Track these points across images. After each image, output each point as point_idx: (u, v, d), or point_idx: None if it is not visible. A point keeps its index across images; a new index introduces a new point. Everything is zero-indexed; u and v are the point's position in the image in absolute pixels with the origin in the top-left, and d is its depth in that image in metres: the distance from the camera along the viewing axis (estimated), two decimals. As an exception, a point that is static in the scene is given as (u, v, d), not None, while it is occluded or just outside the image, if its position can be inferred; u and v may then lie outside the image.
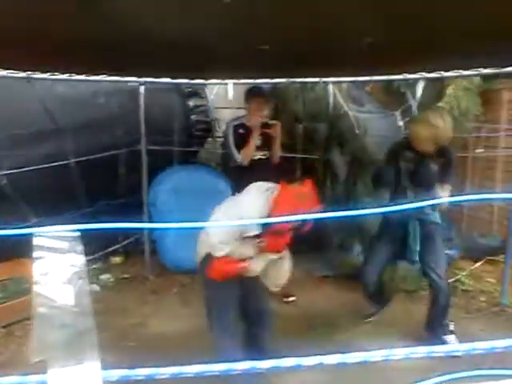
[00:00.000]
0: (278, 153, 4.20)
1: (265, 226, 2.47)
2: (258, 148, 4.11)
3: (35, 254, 0.81)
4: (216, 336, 2.71)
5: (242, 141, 4.08)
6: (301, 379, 2.82)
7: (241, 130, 4.13)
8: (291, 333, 3.57)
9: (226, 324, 2.71)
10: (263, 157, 4.15)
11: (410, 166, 3.34)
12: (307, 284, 4.63)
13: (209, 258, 2.62)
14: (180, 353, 2.84)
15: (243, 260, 2.63)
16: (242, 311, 2.85)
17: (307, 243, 5.09)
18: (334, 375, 2.71)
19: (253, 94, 4.15)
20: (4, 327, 3.60)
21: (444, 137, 3.18)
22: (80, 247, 0.82)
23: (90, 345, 0.77)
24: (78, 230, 0.85)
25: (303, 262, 4.98)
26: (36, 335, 0.76)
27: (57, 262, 0.79)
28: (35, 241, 0.81)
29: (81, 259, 0.82)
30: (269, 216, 2.47)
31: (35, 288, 0.78)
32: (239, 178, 3.86)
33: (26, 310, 3.67)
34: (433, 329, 3.40)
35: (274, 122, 4.24)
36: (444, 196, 3.13)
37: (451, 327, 3.41)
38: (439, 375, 1.62)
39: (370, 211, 1.35)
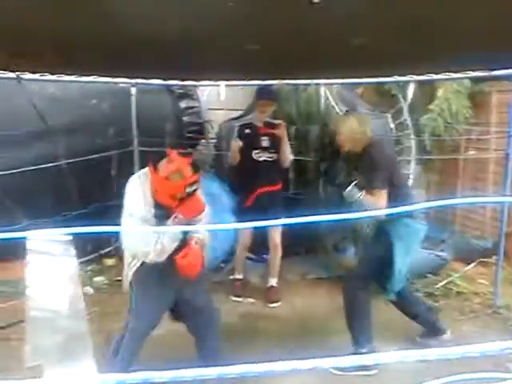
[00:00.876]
0: (287, 155, 4.10)
1: (159, 208, 2.46)
2: (265, 149, 4.05)
3: (28, 258, 0.79)
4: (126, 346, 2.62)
5: (249, 141, 4.03)
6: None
7: (247, 130, 4.11)
8: (285, 336, 3.56)
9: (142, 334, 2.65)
10: (269, 159, 4.07)
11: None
12: (301, 286, 4.62)
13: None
14: (175, 355, 2.84)
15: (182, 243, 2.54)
16: (184, 315, 2.76)
17: (301, 246, 5.11)
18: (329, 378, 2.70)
19: (261, 93, 4.18)
20: (-2, 329, 3.55)
21: (349, 139, 3.17)
22: (72, 250, 0.80)
23: (85, 348, 0.76)
24: (71, 234, 0.83)
25: (297, 264, 4.98)
26: (30, 340, 0.74)
27: (50, 266, 0.78)
28: (29, 245, 0.79)
29: (73, 262, 0.80)
30: (154, 196, 2.47)
31: (28, 292, 0.76)
32: (238, 180, 3.91)
33: (19, 313, 3.62)
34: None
35: (278, 121, 4.18)
36: (371, 201, 3.02)
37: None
38: (433, 379, 1.62)
39: (359, 215, 1.35)
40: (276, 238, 4.19)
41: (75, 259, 0.81)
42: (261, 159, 4.02)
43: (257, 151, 4.04)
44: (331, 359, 0.86)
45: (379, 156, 3.14)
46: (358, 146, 3.17)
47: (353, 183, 3.08)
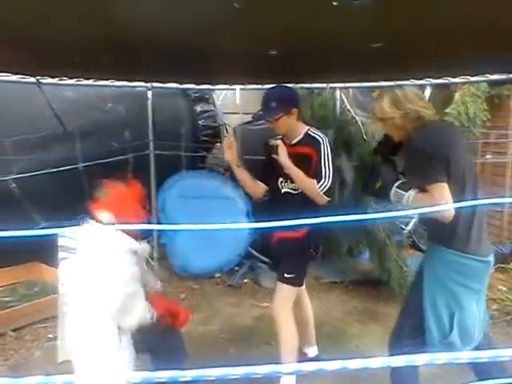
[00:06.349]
0: (312, 187, 2.62)
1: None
2: (287, 177, 2.75)
3: (60, 255, 0.80)
4: None
5: (274, 164, 2.76)
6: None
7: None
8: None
9: None
10: (292, 191, 2.77)
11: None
12: (315, 290, 4.61)
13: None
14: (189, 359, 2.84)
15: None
16: None
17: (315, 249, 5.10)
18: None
19: (262, 110, 2.78)
20: (14, 331, 3.59)
21: (386, 127, 2.35)
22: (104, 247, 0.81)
23: (115, 345, 0.76)
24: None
25: (311, 268, 4.96)
26: (62, 336, 0.75)
27: (80, 265, 0.79)
28: (60, 241, 0.80)
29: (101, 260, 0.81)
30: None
31: (60, 288, 0.77)
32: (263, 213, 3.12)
33: (36, 314, 3.66)
34: None
35: (316, 134, 2.77)
36: (426, 201, 2.06)
37: None
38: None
39: (375, 216, 1.34)
40: (278, 312, 3.01)
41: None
42: (283, 190, 2.81)
43: (281, 179, 2.81)
44: (360, 360, 0.86)
45: (427, 139, 2.18)
46: (401, 134, 2.31)
47: (396, 183, 2.23)
